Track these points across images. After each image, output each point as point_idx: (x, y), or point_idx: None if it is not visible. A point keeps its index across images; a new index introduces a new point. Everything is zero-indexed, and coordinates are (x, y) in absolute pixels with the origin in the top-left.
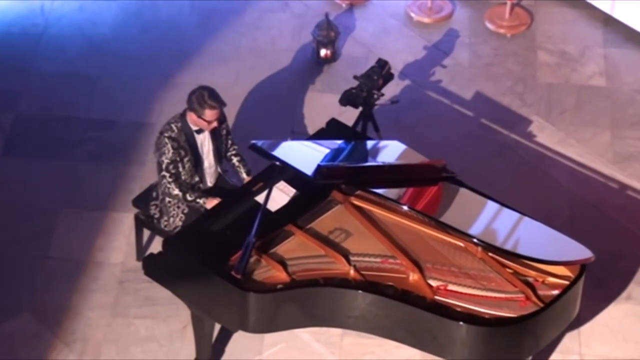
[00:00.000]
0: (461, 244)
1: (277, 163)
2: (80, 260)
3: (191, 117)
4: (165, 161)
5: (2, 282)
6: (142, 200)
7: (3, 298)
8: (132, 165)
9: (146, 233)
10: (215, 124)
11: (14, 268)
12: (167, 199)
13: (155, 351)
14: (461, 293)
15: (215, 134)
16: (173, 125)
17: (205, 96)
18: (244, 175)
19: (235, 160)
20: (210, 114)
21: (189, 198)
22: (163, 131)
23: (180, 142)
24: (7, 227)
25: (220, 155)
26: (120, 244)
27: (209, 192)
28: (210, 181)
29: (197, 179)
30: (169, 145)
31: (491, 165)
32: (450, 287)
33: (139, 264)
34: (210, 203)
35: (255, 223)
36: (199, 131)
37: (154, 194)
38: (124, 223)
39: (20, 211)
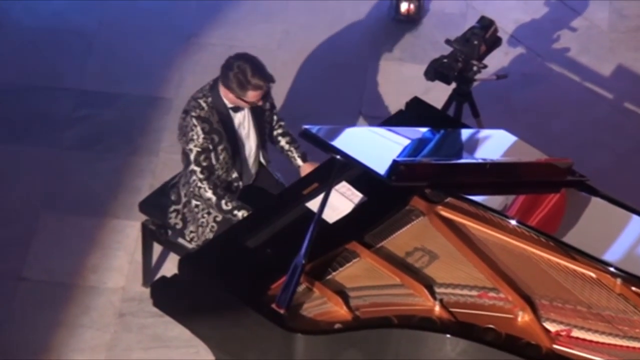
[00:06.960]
0: (592, 274)
1: (338, 157)
2: (66, 284)
3: (226, 95)
4: (195, 150)
5: None
6: (153, 204)
7: None
8: (139, 155)
9: (157, 249)
10: (258, 102)
11: None
12: (194, 202)
13: None
14: (591, 341)
15: (256, 110)
16: (201, 102)
17: (247, 73)
18: (299, 162)
19: (283, 141)
20: (254, 95)
21: (224, 207)
22: (189, 110)
23: (213, 124)
24: None
25: (263, 138)
26: (121, 262)
27: (248, 197)
28: (251, 174)
29: (235, 174)
30: (199, 129)
31: (637, 167)
32: (576, 332)
33: (146, 291)
34: None
35: (306, 238)
36: (236, 109)
37: (173, 197)
38: (126, 235)
39: None
